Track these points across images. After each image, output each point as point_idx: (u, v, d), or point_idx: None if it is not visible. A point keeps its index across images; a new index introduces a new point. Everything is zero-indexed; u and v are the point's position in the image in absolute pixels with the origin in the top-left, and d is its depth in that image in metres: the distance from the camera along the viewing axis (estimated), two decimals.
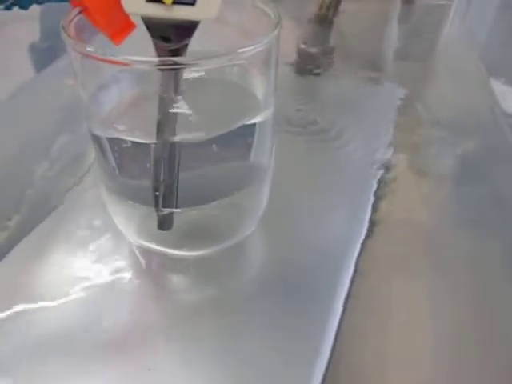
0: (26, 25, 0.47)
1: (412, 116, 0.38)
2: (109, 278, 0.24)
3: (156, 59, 0.18)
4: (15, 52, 0.46)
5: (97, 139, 0.22)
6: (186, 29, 0.18)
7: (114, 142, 0.21)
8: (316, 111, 0.38)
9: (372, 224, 0.28)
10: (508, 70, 0.45)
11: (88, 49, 0.18)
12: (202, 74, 0.20)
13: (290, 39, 0.48)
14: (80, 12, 0.20)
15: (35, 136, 0.35)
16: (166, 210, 0.22)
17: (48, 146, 0.33)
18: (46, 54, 0.45)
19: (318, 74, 0.44)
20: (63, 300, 0.23)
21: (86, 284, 0.24)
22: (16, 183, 0.31)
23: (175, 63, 0.18)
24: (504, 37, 0.53)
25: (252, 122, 0.22)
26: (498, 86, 0.42)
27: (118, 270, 0.25)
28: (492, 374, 0.21)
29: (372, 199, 0.30)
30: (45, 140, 0.34)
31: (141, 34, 0.18)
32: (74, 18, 0.19)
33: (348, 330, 0.22)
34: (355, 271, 0.25)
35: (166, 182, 0.21)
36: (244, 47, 0.18)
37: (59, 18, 0.19)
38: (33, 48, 0.46)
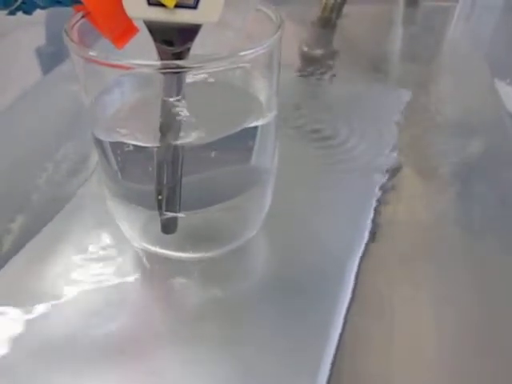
0: (32, 29, 0.48)
1: (416, 118, 0.38)
2: (112, 281, 0.25)
3: (159, 63, 0.18)
4: (21, 57, 0.46)
5: (99, 143, 0.22)
6: (189, 32, 0.18)
7: (116, 145, 0.21)
8: (319, 114, 0.38)
9: (375, 226, 0.28)
10: None
11: (90, 53, 0.18)
12: (205, 77, 0.20)
13: (293, 42, 0.48)
14: (83, 16, 0.20)
15: (40, 140, 0.35)
16: (169, 214, 0.22)
17: (52, 149, 0.34)
18: (52, 58, 0.45)
19: (321, 77, 0.44)
20: (66, 303, 0.23)
21: (90, 287, 0.24)
22: (21, 187, 0.31)
23: (178, 67, 0.18)
24: (508, 38, 0.53)
25: (254, 124, 0.22)
26: (502, 87, 0.41)
27: (121, 273, 0.25)
28: (495, 375, 0.21)
29: (375, 201, 0.29)
30: (49, 144, 0.34)
31: (143, 37, 0.18)
32: (76, 22, 0.19)
33: (351, 333, 0.22)
34: (358, 273, 0.25)
35: (168, 185, 0.21)
36: (246, 50, 0.18)
37: (65, 23, 0.19)
38: (39, 52, 0.47)
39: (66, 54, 0.19)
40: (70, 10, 0.20)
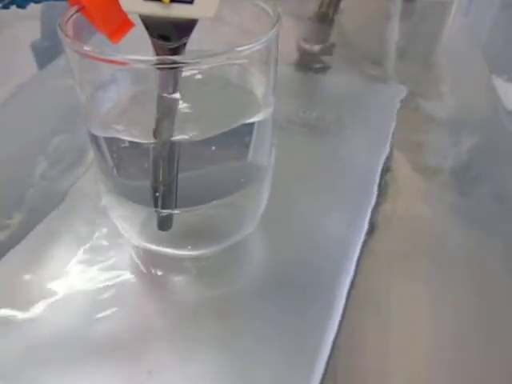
0: (29, 23, 0.47)
1: (413, 113, 0.38)
2: (109, 279, 0.24)
3: (154, 58, 0.18)
4: (17, 51, 0.46)
5: (95, 139, 0.21)
6: (185, 27, 0.17)
7: (112, 142, 0.21)
8: (316, 110, 0.38)
9: (373, 223, 0.28)
10: (510, 67, 0.45)
11: (85, 48, 0.17)
12: (201, 72, 0.20)
13: (291, 37, 0.48)
14: (77, 11, 0.19)
15: (35, 135, 0.35)
16: (166, 211, 0.21)
17: (48, 145, 0.33)
18: (47, 52, 0.45)
19: (318, 73, 0.44)
20: (62, 301, 0.23)
21: (86, 285, 0.24)
22: (17, 182, 0.31)
23: (174, 62, 0.17)
24: (506, 34, 0.53)
25: (251, 121, 0.21)
26: (500, 84, 0.41)
27: (117, 271, 0.25)
28: (492, 373, 0.21)
29: (373, 198, 0.29)
30: (45, 139, 0.34)
31: (139, 32, 0.18)
32: (71, 16, 0.19)
33: (348, 330, 0.22)
34: (356, 270, 0.25)
35: (164, 182, 0.20)
36: (243, 46, 0.18)
37: (60, 17, 0.19)
38: (34, 47, 0.46)
39: (61, 48, 0.19)
40: (64, 3, 0.19)
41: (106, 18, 0.18)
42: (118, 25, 0.19)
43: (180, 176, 0.20)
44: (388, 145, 0.34)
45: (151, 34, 0.18)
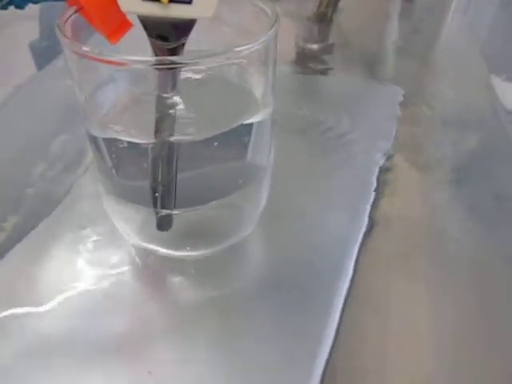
0: (27, 24, 0.47)
1: (413, 113, 0.38)
2: (108, 280, 0.24)
3: (153, 58, 0.18)
4: (16, 51, 0.46)
5: (94, 140, 0.21)
6: (183, 27, 0.17)
7: (111, 142, 0.21)
8: (315, 110, 0.38)
9: (372, 222, 0.28)
10: (509, 66, 0.45)
11: (84, 48, 0.17)
12: (200, 73, 0.20)
13: (289, 37, 0.48)
14: (76, 11, 0.19)
15: (34, 136, 0.35)
16: (165, 211, 0.21)
17: (47, 145, 0.33)
18: (46, 52, 0.45)
19: (317, 73, 0.44)
20: (62, 301, 0.23)
21: (85, 285, 0.24)
22: (15, 183, 0.31)
23: (172, 62, 0.17)
24: (505, 33, 0.53)
25: (250, 121, 0.21)
26: (498, 83, 0.42)
27: (117, 271, 0.25)
28: (492, 372, 0.21)
29: (372, 197, 0.29)
30: (44, 140, 0.34)
31: (138, 33, 0.18)
32: (69, 17, 0.19)
33: (348, 329, 0.22)
34: (355, 270, 0.25)
35: (164, 182, 0.20)
36: (241, 46, 0.18)
37: (59, 17, 0.19)
38: (33, 47, 0.46)
39: (60, 48, 0.19)
40: (63, 4, 0.19)
41: (104, 18, 0.18)
42: (116, 25, 0.19)
43: (179, 176, 0.20)
44: (387, 144, 0.34)
45: (150, 35, 0.18)
